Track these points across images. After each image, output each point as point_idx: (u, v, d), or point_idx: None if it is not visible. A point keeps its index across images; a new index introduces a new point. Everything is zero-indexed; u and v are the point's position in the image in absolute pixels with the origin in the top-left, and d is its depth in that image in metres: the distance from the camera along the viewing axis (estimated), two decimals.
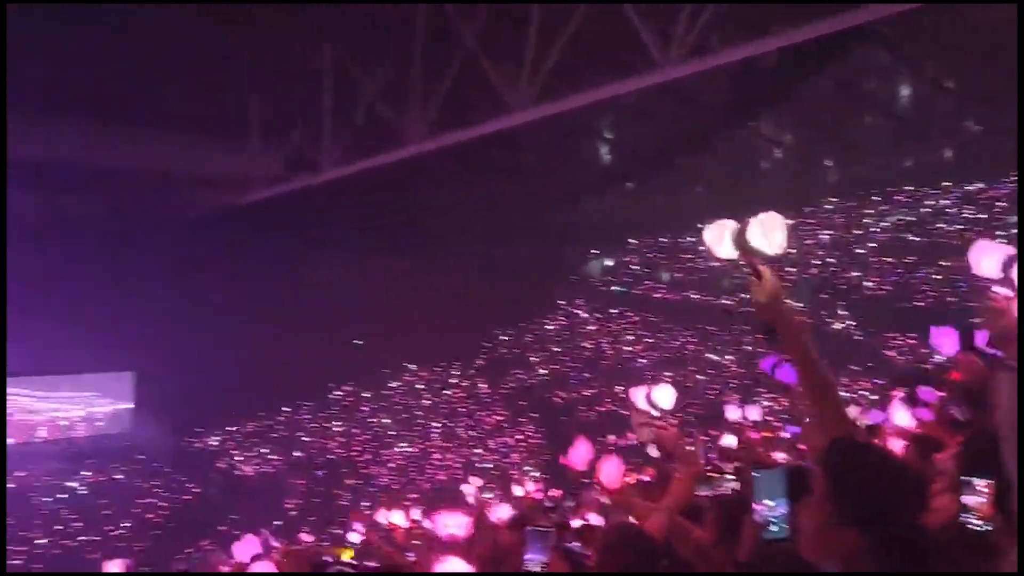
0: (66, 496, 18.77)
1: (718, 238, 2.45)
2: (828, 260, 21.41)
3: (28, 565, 15.85)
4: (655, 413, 3.85)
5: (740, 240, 2.39)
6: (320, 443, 21.43)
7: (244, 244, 18.82)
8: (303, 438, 21.31)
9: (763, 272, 2.37)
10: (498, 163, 18.91)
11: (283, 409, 21.49)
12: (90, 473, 19.58)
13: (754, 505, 2.21)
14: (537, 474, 17.91)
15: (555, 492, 10.38)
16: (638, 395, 3.89)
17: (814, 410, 2.51)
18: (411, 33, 14.46)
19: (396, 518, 6.91)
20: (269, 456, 21.05)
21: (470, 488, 10.51)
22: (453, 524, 4.01)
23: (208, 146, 17.08)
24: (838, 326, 20.16)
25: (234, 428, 21.30)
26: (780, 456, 6.68)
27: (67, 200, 18.23)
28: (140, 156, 16.92)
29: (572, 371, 22.52)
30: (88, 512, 18.58)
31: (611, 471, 3.67)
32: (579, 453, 4.01)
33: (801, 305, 17.84)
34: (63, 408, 19.93)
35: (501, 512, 5.59)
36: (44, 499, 18.38)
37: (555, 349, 23.02)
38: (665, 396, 3.85)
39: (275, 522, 18.61)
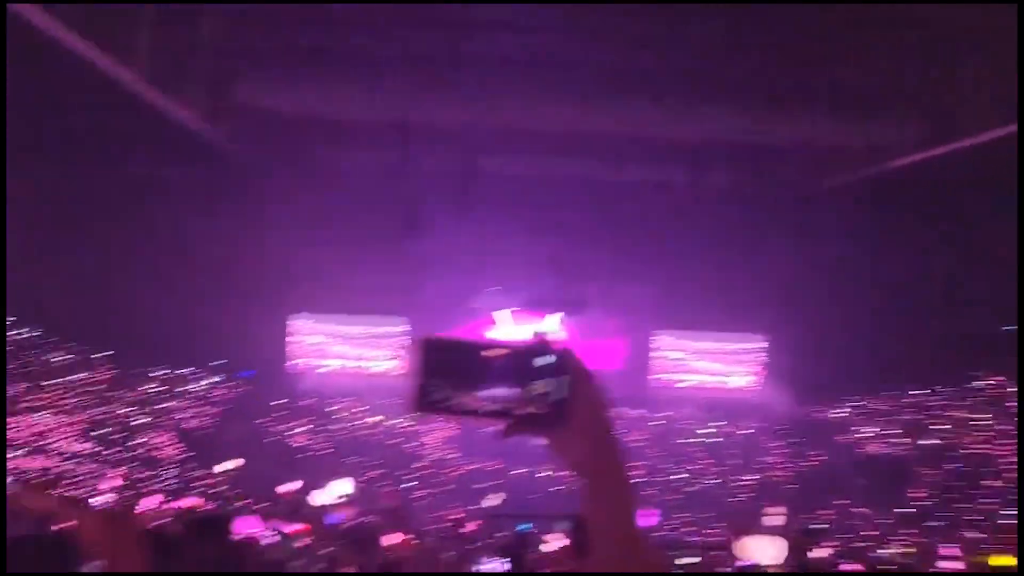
0: (700, 441, 21.05)
1: None
2: None
3: (661, 496, 18.15)
4: None
5: None
6: (957, 434, 19.38)
7: (872, 216, 18.05)
8: (935, 426, 19.57)
9: None
10: None
11: (913, 392, 20.08)
12: (724, 423, 21.54)
13: None
14: None
15: None
16: None
17: None
18: None
19: None
20: (896, 439, 20.00)
21: None
22: None
23: (838, 119, 16.90)
24: None
25: (860, 403, 20.85)
26: None
27: (714, 176, 20.20)
28: (779, 133, 17.77)
29: None
30: (718, 459, 20.50)
31: None
32: None
33: None
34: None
35: None
36: (682, 440, 20.92)
37: None
38: None
39: (897, 509, 17.77)
